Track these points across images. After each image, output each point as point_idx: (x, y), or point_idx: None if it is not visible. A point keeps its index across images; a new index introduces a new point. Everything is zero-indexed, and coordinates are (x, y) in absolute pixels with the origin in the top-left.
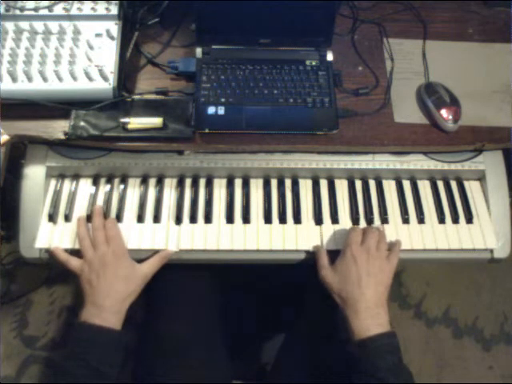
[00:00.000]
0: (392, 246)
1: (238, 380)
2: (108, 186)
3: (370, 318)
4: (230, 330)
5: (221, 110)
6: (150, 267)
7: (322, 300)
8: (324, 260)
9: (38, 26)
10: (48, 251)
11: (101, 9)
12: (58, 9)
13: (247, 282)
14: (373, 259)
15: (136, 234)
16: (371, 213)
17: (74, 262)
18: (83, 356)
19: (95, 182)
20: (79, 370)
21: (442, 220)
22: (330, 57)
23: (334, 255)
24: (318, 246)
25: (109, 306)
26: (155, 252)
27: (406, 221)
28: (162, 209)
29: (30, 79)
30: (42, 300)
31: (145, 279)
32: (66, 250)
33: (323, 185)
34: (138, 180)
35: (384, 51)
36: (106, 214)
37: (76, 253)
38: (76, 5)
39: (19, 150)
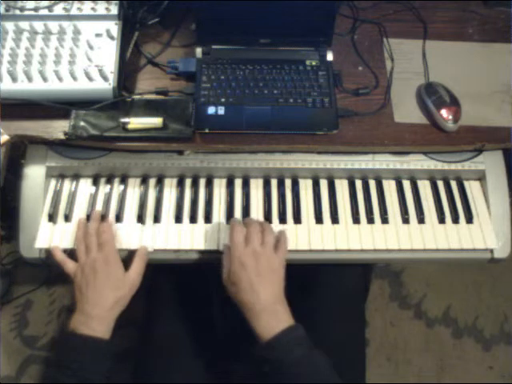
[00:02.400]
0: (279, 237)
1: (237, 380)
2: (108, 186)
3: (270, 317)
4: (229, 330)
5: (221, 110)
6: (135, 272)
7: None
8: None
9: (38, 25)
10: (47, 251)
11: (101, 9)
12: (58, 9)
13: None
14: (261, 259)
15: (136, 234)
16: (371, 213)
17: (69, 265)
18: (70, 366)
19: (95, 182)
20: (67, 378)
21: (442, 220)
22: (330, 57)
23: None
24: (226, 247)
25: (97, 314)
26: (132, 252)
27: (406, 221)
28: (161, 209)
29: (30, 79)
30: (42, 300)
31: (134, 286)
32: (66, 250)
33: (323, 185)
34: (138, 180)
35: (384, 51)
36: (105, 215)
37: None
38: (76, 5)
39: (19, 150)
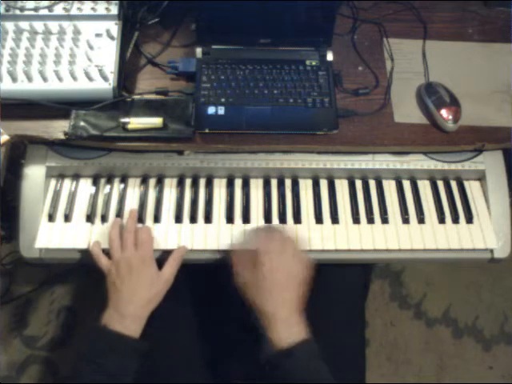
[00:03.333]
0: (301, 246)
1: (237, 380)
2: (108, 186)
3: (286, 327)
4: (229, 330)
5: (221, 110)
6: (169, 271)
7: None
8: (238, 266)
9: (38, 25)
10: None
11: (101, 9)
12: (58, 9)
13: None
14: (282, 267)
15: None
16: (371, 213)
17: (103, 261)
18: (100, 361)
19: (95, 182)
20: (95, 374)
21: (442, 220)
22: (330, 57)
23: None
24: (233, 250)
25: (131, 312)
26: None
27: (406, 221)
28: (161, 209)
29: (29, 79)
30: (42, 300)
31: (167, 284)
32: (65, 250)
33: (323, 185)
34: (138, 180)
35: (384, 51)
36: (105, 215)
37: (76, 252)
38: (76, 5)
39: (19, 150)
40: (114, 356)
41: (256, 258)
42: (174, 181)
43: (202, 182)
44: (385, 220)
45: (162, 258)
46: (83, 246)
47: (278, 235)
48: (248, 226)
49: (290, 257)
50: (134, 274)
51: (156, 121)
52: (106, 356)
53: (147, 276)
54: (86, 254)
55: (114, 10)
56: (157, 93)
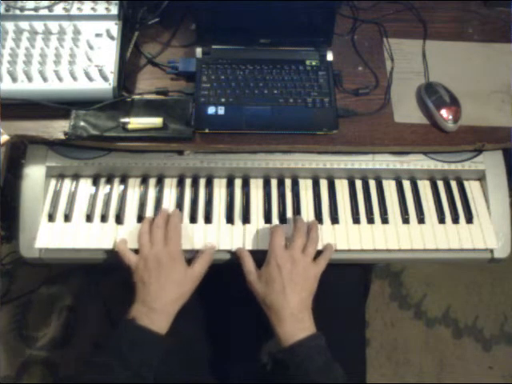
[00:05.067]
0: (324, 250)
1: (237, 380)
2: (108, 186)
3: (295, 323)
4: (229, 330)
5: (221, 110)
6: (199, 269)
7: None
8: (249, 265)
9: (38, 26)
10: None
11: (101, 9)
12: (58, 9)
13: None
14: (297, 265)
15: (136, 234)
16: (371, 213)
17: (130, 256)
18: (127, 356)
19: (95, 182)
20: (121, 369)
21: (442, 220)
22: (329, 57)
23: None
24: (241, 249)
25: (159, 307)
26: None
27: (406, 221)
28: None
29: (29, 79)
30: (42, 300)
31: (196, 281)
32: (65, 250)
33: (323, 185)
34: (138, 180)
35: (384, 51)
36: (105, 215)
37: (76, 252)
38: (76, 5)
39: (19, 150)
40: (139, 350)
41: (274, 252)
42: (174, 181)
43: (202, 182)
44: (385, 220)
45: None
46: (83, 245)
47: (302, 233)
48: (248, 226)
49: (309, 257)
50: (164, 271)
51: (156, 121)
52: (132, 350)
53: (176, 273)
54: (85, 253)
55: (114, 10)
56: (157, 93)
